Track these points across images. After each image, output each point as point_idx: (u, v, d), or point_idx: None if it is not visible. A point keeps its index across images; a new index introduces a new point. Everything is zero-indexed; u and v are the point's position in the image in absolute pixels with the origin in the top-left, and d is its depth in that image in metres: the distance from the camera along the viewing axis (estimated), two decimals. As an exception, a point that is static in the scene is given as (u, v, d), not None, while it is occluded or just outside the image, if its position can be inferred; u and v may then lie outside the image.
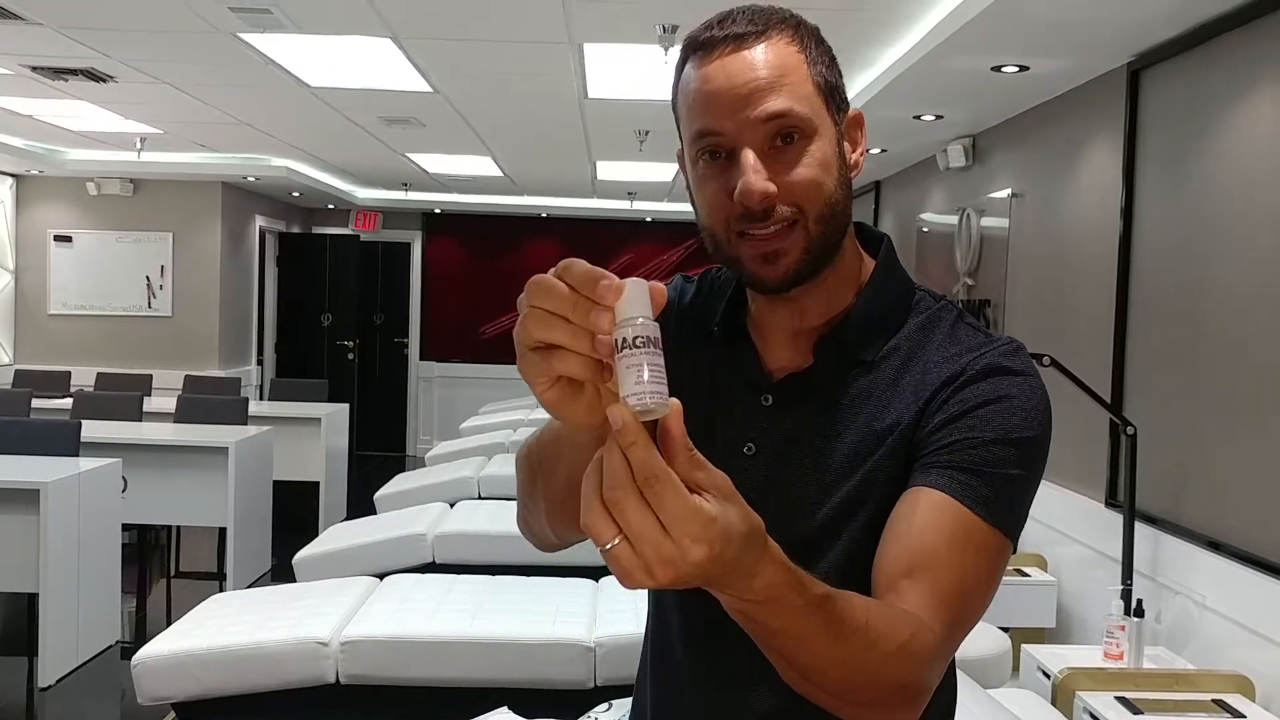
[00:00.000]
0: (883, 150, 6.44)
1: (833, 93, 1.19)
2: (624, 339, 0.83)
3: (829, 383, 1.22)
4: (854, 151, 1.21)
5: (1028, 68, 4.30)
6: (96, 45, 5.00)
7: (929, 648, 1.04)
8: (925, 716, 1.13)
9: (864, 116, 1.23)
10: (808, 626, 0.95)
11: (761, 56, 1.15)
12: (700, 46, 1.18)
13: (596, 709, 2.27)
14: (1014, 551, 1.17)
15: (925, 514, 1.10)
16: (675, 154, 1.30)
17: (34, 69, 5.52)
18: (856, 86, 5.24)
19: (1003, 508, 1.12)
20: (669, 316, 1.30)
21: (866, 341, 1.23)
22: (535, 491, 1.26)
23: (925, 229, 6.57)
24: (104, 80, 5.71)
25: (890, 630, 1.02)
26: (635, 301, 0.85)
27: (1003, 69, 4.33)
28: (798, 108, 1.14)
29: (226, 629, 3.68)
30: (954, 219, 5.94)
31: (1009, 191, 5.22)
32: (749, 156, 1.13)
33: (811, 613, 0.95)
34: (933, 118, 5.36)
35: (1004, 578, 3.56)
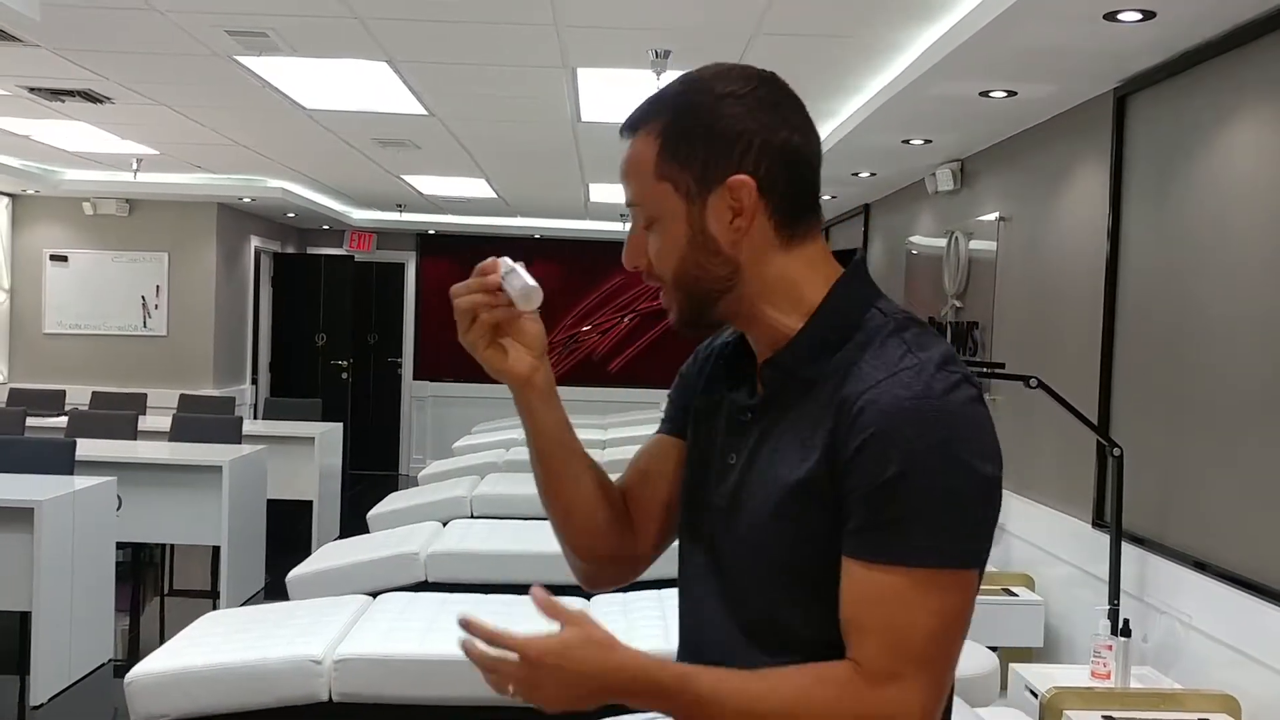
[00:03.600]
0: (872, 174, 6.50)
1: (688, 171, 1.30)
2: (502, 276, 1.36)
3: (778, 402, 1.34)
4: (735, 217, 1.30)
5: (1015, 93, 4.35)
6: (94, 67, 5.05)
7: (849, 683, 1.19)
8: None
9: (744, 182, 1.29)
10: (712, 699, 1.20)
11: (628, 151, 1.35)
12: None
13: (588, 726, 2.29)
14: (968, 566, 1.22)
15: (848, 582, 1.23)
16: None
17: (31, 90, 5.56)
18: (846, 111, 5.30)
19: (899, 549, 1.19)
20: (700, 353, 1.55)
21: (805, 362, 1.31)
22: (557, 528, 1.56)
23: (914, 251, 6.62)
24: (101, 101, 5.75)
25: (795, 676, 1.21)
26: (503, 262, 1.37)
27: (990, 94, 4.38)
28: (641, 198, 1.34)
29: (220, 647, 3.69)
30: (942, 242, 5.99)
31: (997, 215, 5.27)
32: (631, 231, 1.38)
33: (700, 682, 1.21)
34: (921, 142, 5.42)
35: (991, 597, 3.59)
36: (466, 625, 1.21)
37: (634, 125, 1.34)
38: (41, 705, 4.76)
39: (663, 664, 1.23)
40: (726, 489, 1.36)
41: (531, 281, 1.35)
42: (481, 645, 1.21)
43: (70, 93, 5.58)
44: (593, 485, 1.50)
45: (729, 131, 1.29)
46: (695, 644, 1.42)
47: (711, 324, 1.39)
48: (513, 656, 1.20)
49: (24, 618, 4.93)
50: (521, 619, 3.72)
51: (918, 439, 1.19)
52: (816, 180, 1.36)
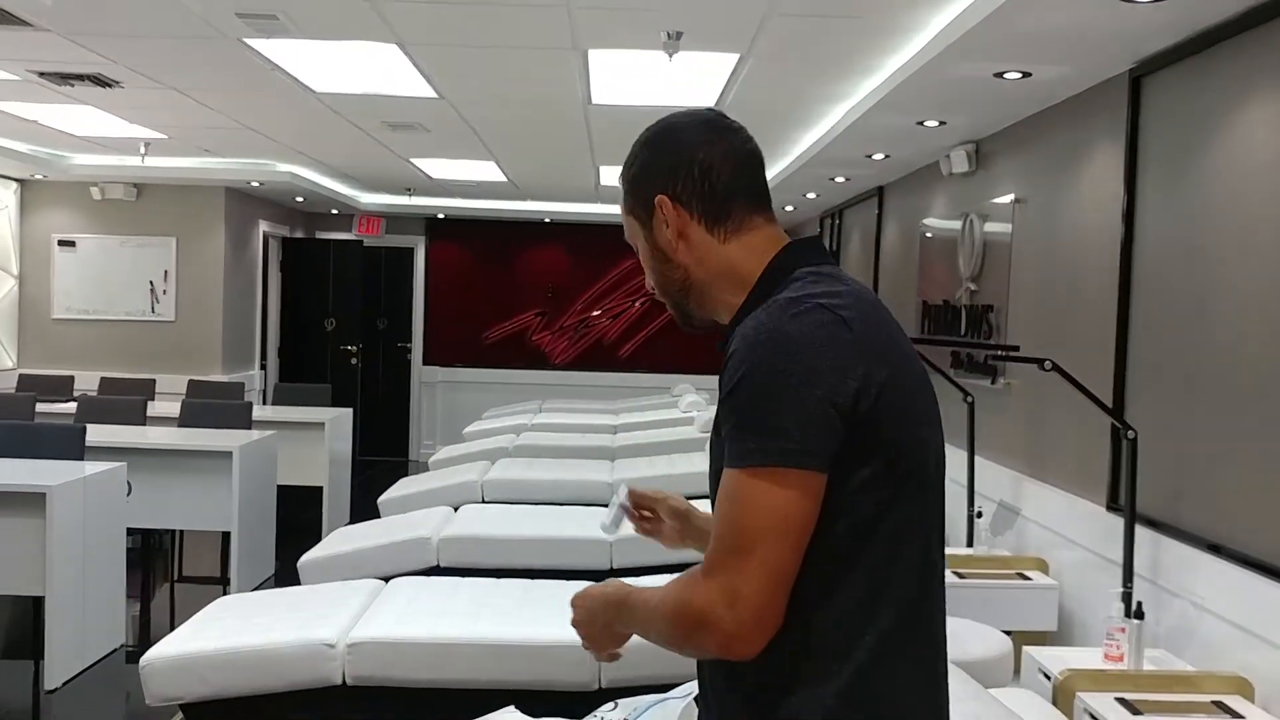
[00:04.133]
0: (886, 156, 6.47)
1: (640, 201, 1.63)
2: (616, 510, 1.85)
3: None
4: (666, 233, 1.61)
5: (1030, 74, 4.32)
6: (103, 51, 5.04)
7: (690, 580, 1.42)
8: (776, 651, 1.40)
9: (662, 200, 1.60)
10: (636, 608, 1.55)
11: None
12: None
13: (602, 708, 2.29)
14: (785, 465, 1.36)
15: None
16: None
17: (41, 74, 5.55)
18: (860, 93, 5.27)
19: (737, 453, 1.39)
20: None
21: (730, 329, 1.55)
22: None
23: (929, 234, 6.60)
24: (110, 85, 5.74)
25: (671, 585, 1.47)
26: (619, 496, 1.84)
27: (1005, 75, 4.35)
28: (626, 231, 1.69)
29: (233, 631, 3.70)
30: (957, 224, 5.96)
31: (1012, 197, 5.24)
32: None
33: (633, 600, 1.57)
34: (936, 124, 5.39)
35: (1005, 581, 3.59)
36: None
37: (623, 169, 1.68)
38: (56, 690, 4.77)
39: (625, 585, 1.62)
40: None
41: (618, 516, 1.83)
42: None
43: (79, 77, 5.57)
44: None
45: (651, 165, 1.62)
46: None
47: (695, 321, 1.67)
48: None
49: (37, 603, 4.95)
50: (537, 602, 3.75)
51: (747, 356, 1.40)
52: (741, 181, 1.59)
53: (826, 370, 1.37)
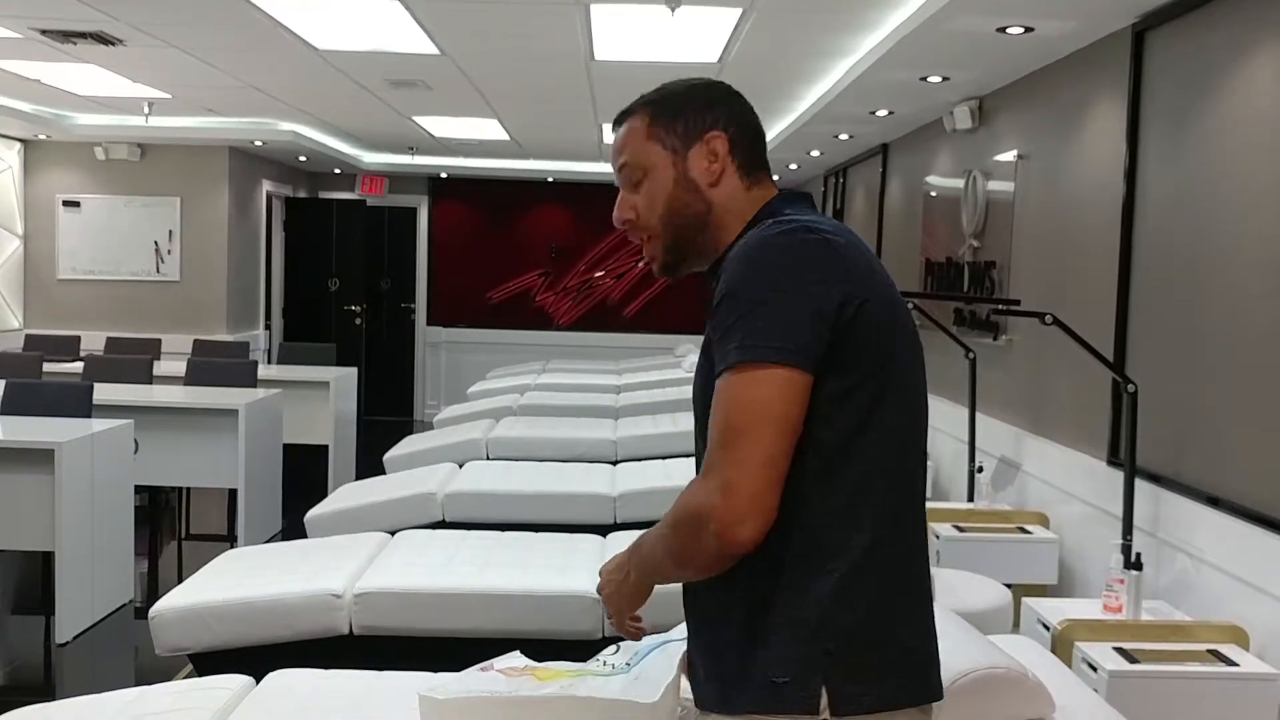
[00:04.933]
0: (890, 112, 6.45)
1: (671, 135, 1.69)
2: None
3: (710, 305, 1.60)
4: (707, 164, 1.68)
5: (1033, 29, 4.31)
6: (106, 8, 5.02)
7: (691, 486, 1.50)
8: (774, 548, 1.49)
9: (719, 135, 1.69)
10: (642, 548, 1.67)
11: (622, 131, 1.75)
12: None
13: (604, 651, 2.33)
14: (766, 360, 1.44)
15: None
16: None
17: (43, 32, 5.54)
18: (863, 48, 5.26)
19: (723, 356, 1.47)
20: None
21: (720, 262, 1.63)
22: None
23: (932, 192, 6.59)
24: (113, 44, 5.73)
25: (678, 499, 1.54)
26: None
27: (1008, 30, 4.34)
28: (632, 158, 1.72)
29: (242, 582, 3.74)
30: (960, 182, 5.96)
31: (1015, 154, 5.24)
32: (619, 193, 1.76)
33: (642, 542, 1.68)
34: (939, 79, 5.37)
35: (1006, 535, 3.63)
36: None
37: (625, 113, 1.75)
38: (66, 643, 4.84)
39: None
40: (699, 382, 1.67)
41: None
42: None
43: (82, 35, 5.56)
44: None
45: (703, 103, 1.71)
46: None
47: (688, 263, 1.72)
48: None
49: (47, 558, 5.01)
50: (540, 554, 3.79)
51: (737, 268, 1.51)
52: (765, 148, 1.75)
53: (812, 280, 1.47)
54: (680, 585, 1.66)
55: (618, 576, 1.72)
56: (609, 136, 8.87)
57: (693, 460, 1.69)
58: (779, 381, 1.44)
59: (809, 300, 1.46)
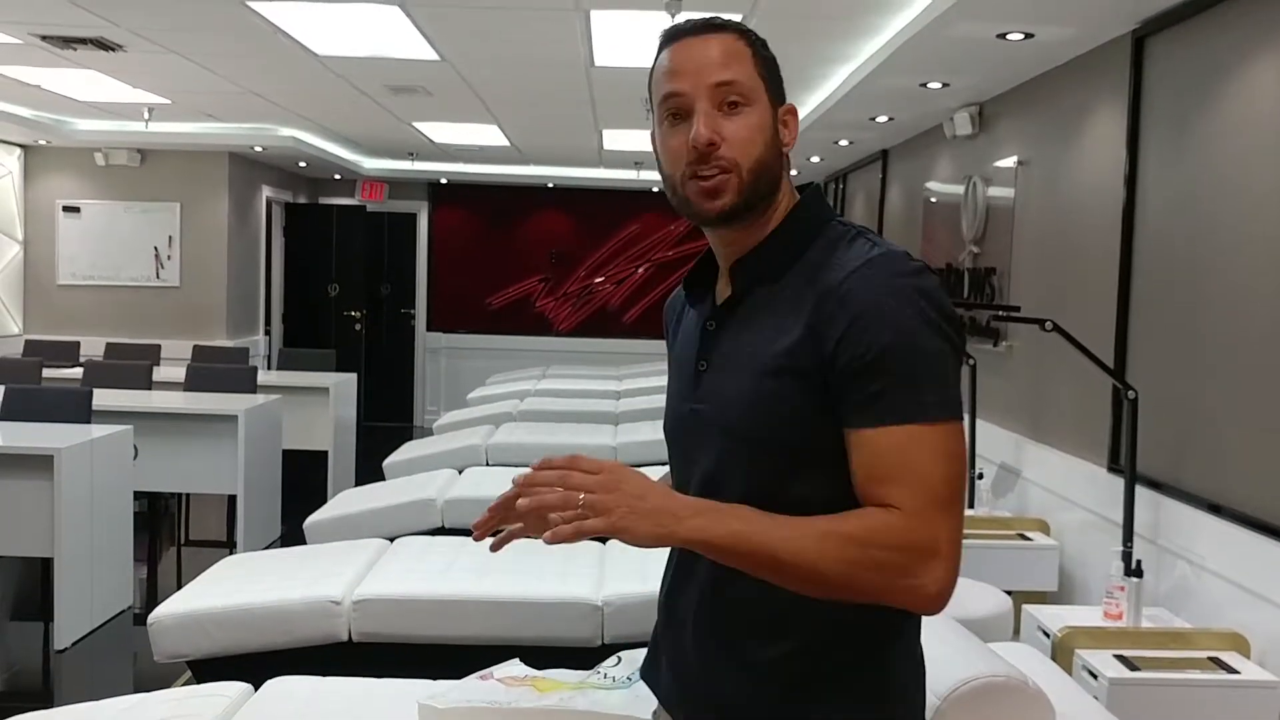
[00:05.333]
0: (890, 118, 6.45)
1: (772, 82, 1.52)
2: None
3: (745, 302, 1.52)
4: (787, 133, 1.53)
5: (1033, 35, 4.31)
6: (106, 14, 5.03)
7: (896, 519, 1.32)
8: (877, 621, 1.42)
9: (797, 110, 1.55)
10: (764, 530, 1.33)
11: (717, 42, 1.49)
12: (674, 37, 1.52)
13: (605, 663, 2.32)
14: (958, 417, 1.38)
15: (865, 450, 1.37)
16: (650, 134, 1.60)
17: (44, 38, 5.54)
18: (863, 55, 5.26)
19: (917, 405, 1.35)
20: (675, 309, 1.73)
21: (771, 262, 1.50)
22: None
23: (933, 198, 6.59)
24: (113, 49, 5.73)
25: (851, 516, 1.34)
26: None
27: (1008, 36, 4.34)
28: (742, 78, 1.47)
29: (241, 589, 3.73)
30: (960, 188, 5.96)
31: (1015, 159, 5.24)
32: (701, 109, 1.46)
33: (756, 519, 1.34)
34: (939, 85, 5.37)
35: (1006, 542, 3.61)
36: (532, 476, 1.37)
37: (720, 25, 1.51)
38: (65, 650, 4.83)
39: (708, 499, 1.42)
40: (698, 393, 1.53)
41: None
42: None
43: (82, 40, 5.56)
44: None
45: (779, 72, 1.55)
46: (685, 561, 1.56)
47: (747, 217, 1.50)
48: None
49: (46, 564, 5.00)
50: (537, 562, 3.77)
51: (901, 311, 1.36)
52: None
53: (959, 328, 1.42)
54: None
55: (635, 498, 1.32)
56: (609, 142, 8.90)
57: None
58: (964, 435, 1.41)
59: (963, 346, 1.44)
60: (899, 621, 1.46)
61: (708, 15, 1.54)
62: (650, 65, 1.55)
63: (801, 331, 1.40)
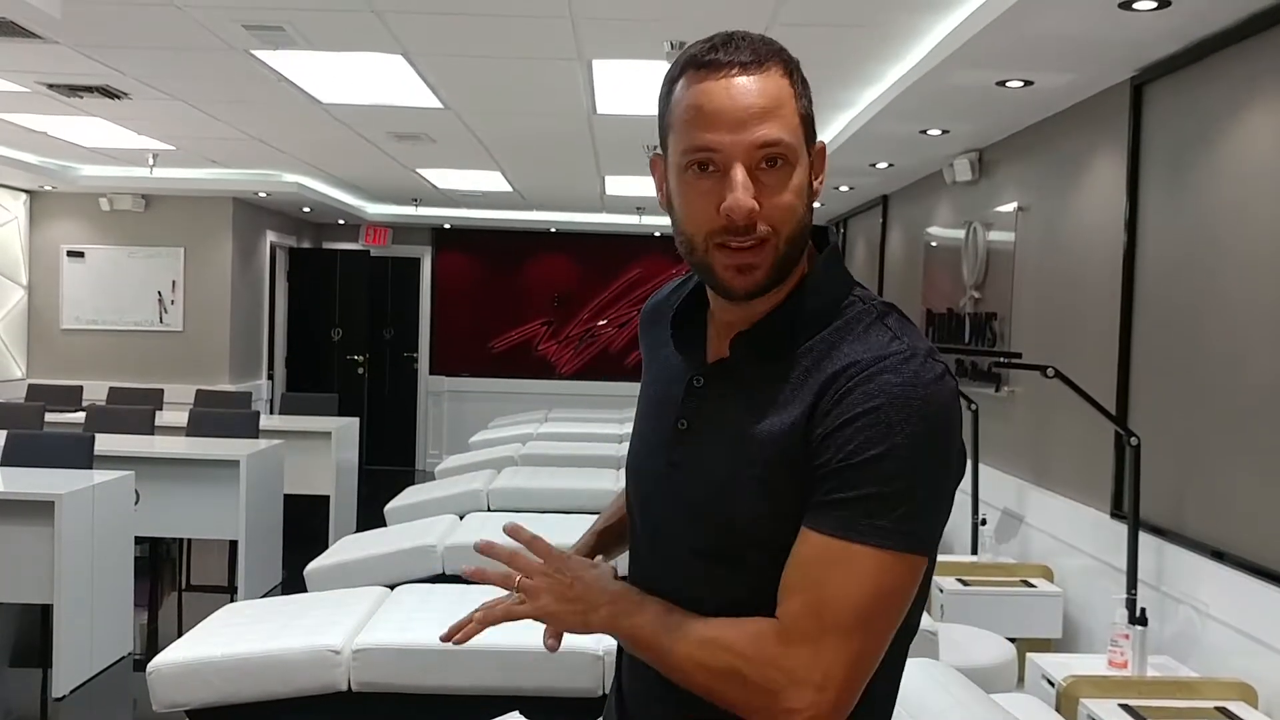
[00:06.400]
0: (890, 164, 6.49)
1: (810, 126, 1.32)
2: None
3: (746, 373, 1.35)
4: (816, 180, 1.34)
5: (1032, 82, 4.34)
6: (112, 63, 5.07)
7: (771, 633, 1.22)
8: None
9: (826, 148, 1.36)
10: (659, 631, 1.29)
11: (759, 85, 1.27)
12: (703, 65, 1.29)
13: None
14: (919, 552, 1.23)
15: (801, 548, 1.24)
16: (650, 160, 1.43)
17: (50, 86, 5.59)
18: (863, 102, 5.30)
19: (872, 527, 1.20)
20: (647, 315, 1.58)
21: (779, 339, 1.33)
22: None
23: (933, 243, 6.61)
24: (118, 97, 5.78)
25: (744, 623, 1.24)
26: None
27: (1007, 84, 4.37)
28: (787, 138, 1.27)
29: (241, 637, 3.71)
30: (961, 233, 5.98)
31: (1015, 205, 5.26)
32: (740, 174, 1.26)
33: (659, 617, 1.30)
34: (939, 132, 5.41)
35: (1010, 589, 3.57)
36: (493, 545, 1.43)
37: (762, 59, 1.28)
38: (63, 697, 4.79)
39: (634, 590, 1.37)
40: (673, 454, 1.39)
41: None
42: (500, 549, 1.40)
43: (88, 88, 5.61)
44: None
45: (810, 93, 1.34)
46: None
47: (776, 279, 1.32)
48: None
49: (46, 610, 4.97)
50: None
51: (902, 425, 1.21)
52: None
53: (959, 457, 1.28)
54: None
55: (573, 593, 1.35)
56: (611, 188, 8.94)
57: None
58: (916, 574, 1.24)
59: (955, 483, 1.29)
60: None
61: (737, 34, 1.31)
62: (666, 87, 1.34)
63: (798, 417, 1.26)
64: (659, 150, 1.39)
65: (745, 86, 1.26)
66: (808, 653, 1.20)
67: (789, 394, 1.29)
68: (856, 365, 1.25)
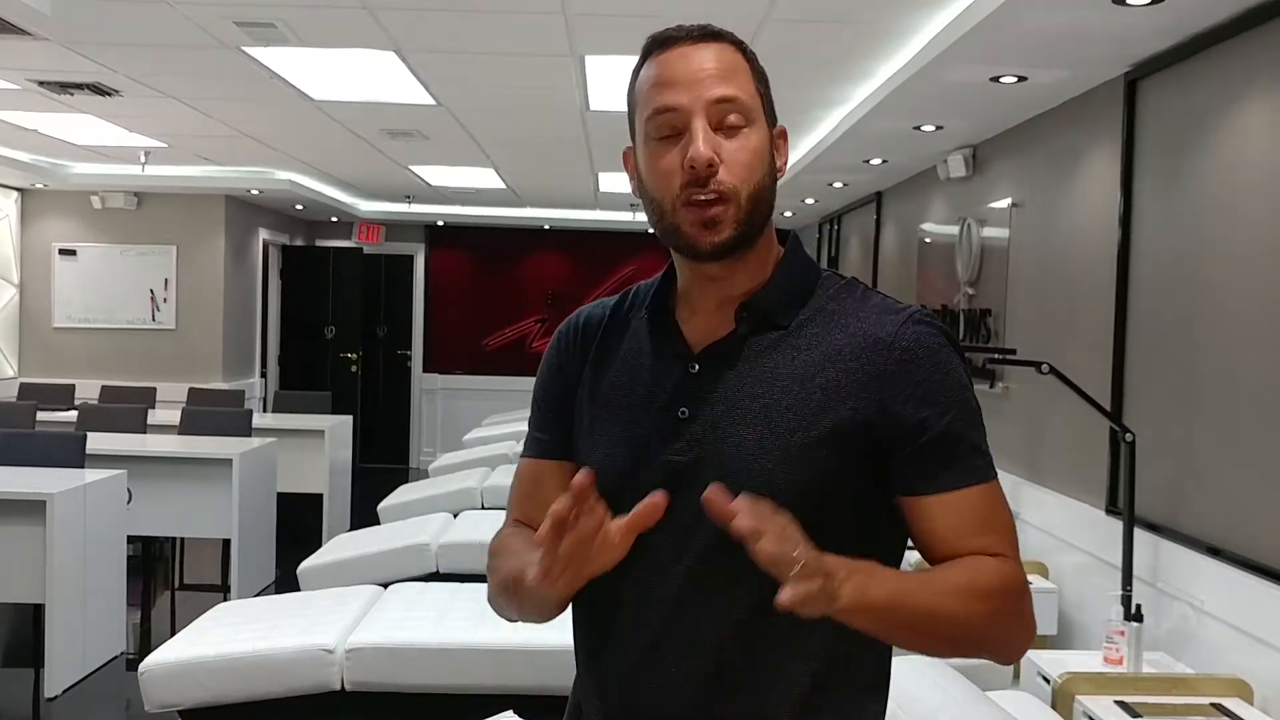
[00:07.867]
0: (883, 161, 6.48)
1: (768, 101, 1.41)
2: None
3: (753, 347, 1.38)
4: (780, 158, 1.41)
5: (1026, 78, 4.33)
6: (103, 60, 5.05)
7: (1009, 566, 1.34)
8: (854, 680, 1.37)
9: (787, 131, 1.44)
10: (915, 589, 1.27)
11: (715, 53, 1.36)
12: (661, 43, 1.39)
13: None
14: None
15: (948, 512, 1.34)
16: (622, 155, 1.47)
17: (41, 83, 5.56)
18: (856, 98, 5.28)
19: (982, 465, 1.37)
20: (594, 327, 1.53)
21: (781, 309, 1.39)
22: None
23: (927, 239, 6.60)
24: (109, 94, 5.76)
25: (962, 568, 1.31)
26: None
27: (1001, 79, 4.36)
28: (743, 96, 1.35)
29: (233, 637, 3.70)
30: (955, 229, 5.97)
31: (1009, 201, 5.25)
32: (699, 124, 1.33)
33: (899, 577, 1.28)
34: (932, 128, 5.40)
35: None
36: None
37: (717, 34, 1.38)
38: (55, 697, 4.78)
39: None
40: (680, 443, 1.35)
41: None
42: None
43: (79, 86, 5.58)
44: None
45: (770, 90, 1.43)
46: (651, 643, 1.37)
47: (747, 248, 1.37)
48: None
49: (37, 610, 4.96)
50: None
51: (956, 371, 1.37)
52: None
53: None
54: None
55: (815, 560, 1.15)
56: (605, 184, 8.93)
57: None
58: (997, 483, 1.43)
59: None
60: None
61: (699, 23, 1.40)
62: (632, 78, 1.41)
63: (853, 389, 1.32)
64: (630, 145, 1.44)
65: (701, 52, 1.35)
66: (1023, 572, 1.36)
67: (812, 359, 1.35)
68: (895, 326, 1.36)
